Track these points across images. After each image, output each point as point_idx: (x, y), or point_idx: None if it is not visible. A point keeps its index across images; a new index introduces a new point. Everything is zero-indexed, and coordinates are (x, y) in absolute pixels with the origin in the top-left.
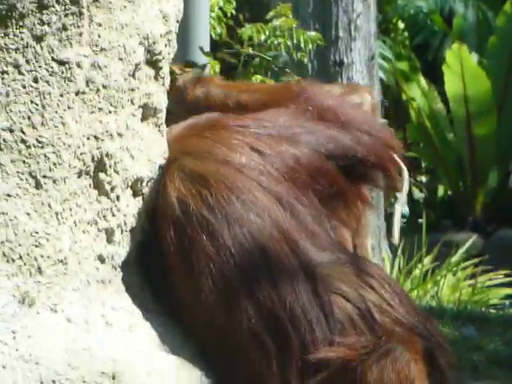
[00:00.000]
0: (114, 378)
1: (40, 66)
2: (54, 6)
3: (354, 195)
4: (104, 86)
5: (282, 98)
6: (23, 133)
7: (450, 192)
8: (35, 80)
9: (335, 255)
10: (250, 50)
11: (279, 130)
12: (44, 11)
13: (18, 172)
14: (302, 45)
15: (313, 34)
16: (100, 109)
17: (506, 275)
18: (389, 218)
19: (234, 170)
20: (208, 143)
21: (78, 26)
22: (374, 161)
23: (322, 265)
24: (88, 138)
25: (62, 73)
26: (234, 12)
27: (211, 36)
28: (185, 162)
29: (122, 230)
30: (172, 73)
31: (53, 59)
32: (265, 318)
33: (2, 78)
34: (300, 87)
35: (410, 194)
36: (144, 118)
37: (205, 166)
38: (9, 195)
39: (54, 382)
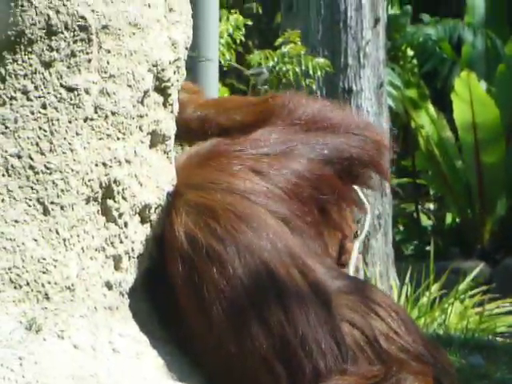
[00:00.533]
0: None
1: (49, 93)
2: (62, 33)
3: (350, 199)
4: (113, 113)
5: (263, 117)
6: (31, 159)
7: (458, 220)
8: (44, 106)
9: (343, 282)
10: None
11: (274, 148)
12: (53, 37)
13: (25, 198)
14: (311, 71)
15: (321, 60)
16: (108, 135)
17: None
18: (396, 244)
19: (240, 197)
20: (211, 172)
21: (87, 53)
22: (366, 160)
23: (331, 292)
24: (96, 165)
25: (71, 99)
26: (243, 39)
27: (220, 62)
28: (190, 195)
29: (129, 257)
30: None
31: (61, 85)
32: (276, 344)
33: (11, 104)
34: (279, 101)
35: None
36: (152, 145)
37: (210, 197)
38: (16, 221)
39: None
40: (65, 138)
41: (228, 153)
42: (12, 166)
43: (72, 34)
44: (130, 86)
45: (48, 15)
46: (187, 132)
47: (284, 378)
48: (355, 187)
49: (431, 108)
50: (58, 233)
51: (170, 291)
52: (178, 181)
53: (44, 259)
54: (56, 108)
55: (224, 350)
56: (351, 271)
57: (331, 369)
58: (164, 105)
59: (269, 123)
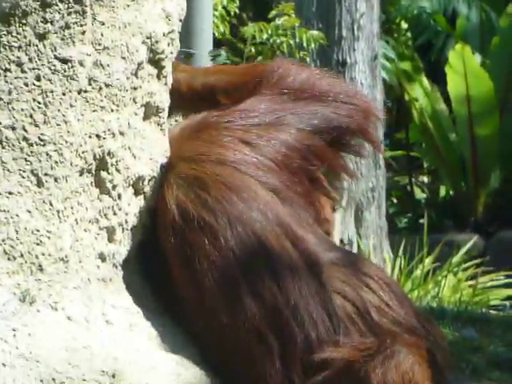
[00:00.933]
0: (113, 376)
1: (43, 65)
2: (57, 5)
3: (340, 167)
4: (106, 85)
5: (252, 78)
6: (25, 131)
7: (451, 192)
8: (38, 78)
9: (335, 253)
10: (253, 49)
11: (264, 118)
12: (47, 9)
13: (19, 170)
14: (305, 44)
15: (315, 33)
16: (102, 107)
17: (507, 276)
18: (390, 217)
19: (230, 168)
20: (201, 145)
21: (81, 25)
22: (355, 128)
23: (323, 263)
24: (90, 137)
25: (65, 71)
26: (237, 11)
27: (214, 34)
28: (181, 167)
29: (123, 229)
30: None
31: (55, 57)
32: (268, 315)
33: (5, 76)
34: (269, 67)
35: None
36: (146, 117)
37: (201, 169)
38: (10, 193)
39: (54, 380)
40: (59, 110)
41: (217, 124)
42: (6, 137)
43: (66, 5)
44: (123, 58)
45: None
46: (177, 97)
47: (276, 349)
48: (344, 155)
49: (425, 81)
50: (51, 204)
51: (163, 263)
52: (171, 153)
53: (38, 231)
54: (50, 80)
55: (216, 320)
56: (335, 240)
57: (323, 340)
58: (158, 77)
59: (258, 91)
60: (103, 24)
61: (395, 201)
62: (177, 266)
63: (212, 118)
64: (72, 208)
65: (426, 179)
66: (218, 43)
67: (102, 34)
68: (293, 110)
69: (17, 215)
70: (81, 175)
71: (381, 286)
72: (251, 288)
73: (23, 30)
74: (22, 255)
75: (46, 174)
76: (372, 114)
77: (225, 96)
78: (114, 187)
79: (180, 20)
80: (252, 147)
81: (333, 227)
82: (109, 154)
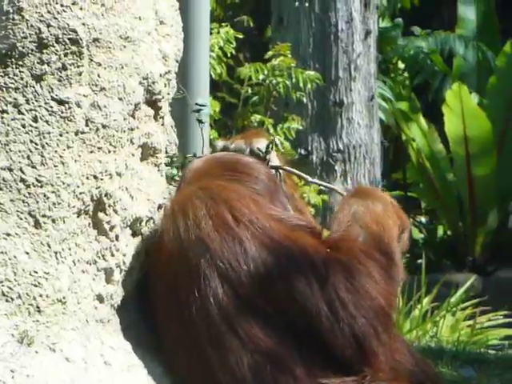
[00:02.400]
0: None
1: (40, 106)
2: (53, 46)
3: None
4: (103, 126)
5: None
6: (23, 172)
7: (449, 232)
8: (35, 119)
9: None
10: (249, 90)
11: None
12: (44, 51)
13: (17, 211)
14: (301, 84)
15: (312, 73)
16: (99, 148)
17: (506, 316)
18: None
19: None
20: (212, 191)
21: (78, 66)
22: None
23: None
24: (87, 178)
25: (62, 112)
26: (234, 52)
27: (211, 76)
28: (185, 210)
29: (120, 270)
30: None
31: (52, 99)
32: (259, 362)
33: (2, 118)
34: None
35: None
36: (143, 158)
37: (205, 220)
38: (8, 234)
39: None
40: (56, 151)
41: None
42: (3, 179)
43: (63, 47)
44: (120, 99)
45: (39, 28)
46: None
47: None
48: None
49: (422, 121)
50: (49, 246)
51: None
52: (176, 195)
53: (36, 272)
54: (47, 121)
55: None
56: None
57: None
58: (155, 118)
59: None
60: (100, 65)
61: None
62: (164, 308)
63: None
64: (70, 249)
65: (423, 219)
66: (214, 84)
67: (98, 75)
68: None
69: (15, 256)
70: (78, 216)
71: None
72: (235, 331)
73: (20, 72)
74: (20, 296)
75: (43, 216)
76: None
77: None
78: (111, 228)
79: (177, 61)
80: (257, 205)
81: None
82: (106, 195)
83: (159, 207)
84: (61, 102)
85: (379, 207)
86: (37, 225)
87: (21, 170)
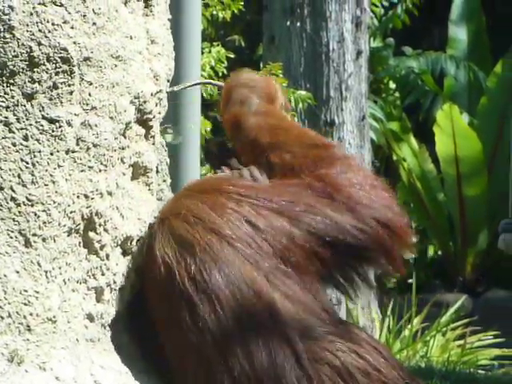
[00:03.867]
0: None
1: (30, 124)
2: (44, 64)
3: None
4: (94, 145)
5: (313, 156)
6: (13, 191)
7: (440, 252)
8: (25, 138)
9: (321, 323)
10: None
11: (281, 206)
12: (35, 69)
13: (7, 230)
14: (293, 104)
15: (303, 93)
16: (90, 167)
17: (495, 336)
18: (378, 277)
19: (220, 240)
20: (201, 208)
21: (69, 85)
22: (375, 248)
23: (306, 334)
24: (78, 197)
25: (53, 131)
26: (225, 71)
27: (202, 95)
28: (174, 223)
29: (111, 289)
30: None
31: (43, 117)
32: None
33: None
34: (341, 154)
35: None
36: (134, 177)
37: (193, 232)
38: None
39: None
40: (46, 170)
41: (228, 194)
42: None
43: (54, 65)
44: (111, 118)
45: (30, 47)
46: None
47: None
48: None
49: (413, 141)
50: (39, 265)
51: (151, 321)
52: (167, 207)
53: (26, 291)
54: (38, 140)
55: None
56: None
57: None
58: (146, 137)
59: (299, 175)
60: (91, 84)
61: None
62: (159, 321)
63: (226, 187)
64: (60, 268)
65: (414, 239)
66: (206, 103)
67: (89, 94)
68: (314, 210)
69: (5, 275)
70: (69, 235)
71: (368, 351)
72: (225, 362)
73: (11, 90)
74: (9, 315)
75: (34, 235)
76: (405, 238)
77: (278, 158)
78: (102, 247)
79: (168, 80)
80: (252, 227)
81: None
82: (97, 214)
83: (149, 226)
84: (51, 121)
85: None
86: (27, 243)
87: (11, 188)
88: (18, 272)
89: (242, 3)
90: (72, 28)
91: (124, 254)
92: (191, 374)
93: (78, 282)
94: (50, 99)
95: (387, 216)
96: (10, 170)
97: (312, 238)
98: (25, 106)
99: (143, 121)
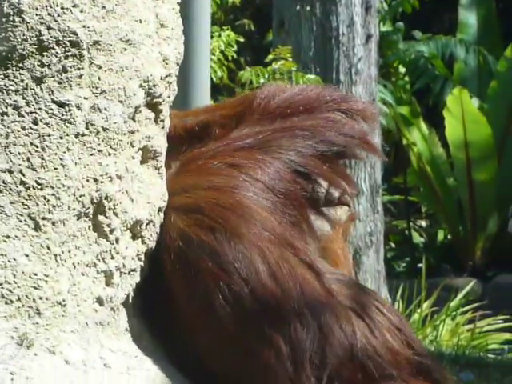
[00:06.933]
0: None
1: (40, 108)
2: (54, 48)
3: (340, 179)
4: (104, 129)
5: (244, 108)
6: (23, 174)
7: (449, 237)
8: (35, 122)
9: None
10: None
11: (247, 141)
12: (44, 53)
13: (17, 214)
14: None
15: (312, 76)
16: (100, 151)
17: (505, 320)
18: (388, 261)
19: (222, 191)
20: (190, 176)
21: (78, 68)
22: (352, 142)
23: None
24: (87, 180)
25: (62, 115)
26: (235, 55)
27: (212, 79)
28: (174, 200)
29: (120, 273)
30: None
31: (53, 101)
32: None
33: (2, 120)
34: (257, 93)
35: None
36: (143, 161)
37: (194, 196)
38: (8, 237)
39: None
40: (56, 154)
41: (202, 154)
42: (3, 181)
43: (63, 49)
44: (121, 102)
45: (39, 31)
46: (175, 141)
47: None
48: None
49: (423, 125)
50: (49, 248)
51: (162, 306)
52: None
53: (35, 274)
54: (47, 124)
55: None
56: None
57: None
58: (155, 121)
59: (245, 119)
60: (100, 67)
61: (393, 245)
62: (183, 291)
63: (196, 151)
64: (69, 252)
65: (424, 223)
66: (215, 87)
67: (99, 78)
68: (277, 131)
69: (14, 259)
70: (78, 219)
71: (391, 315)
72: (260, 306)
73: (20, 74)
74: (19, 299)
75: (43, 218)
76: (369, 116)
77: (221, 129)
78: (111, 231)
79: (177, 64)
80: (239, 169)
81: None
82: (106, 197)
83: (159, 210)
84: (61, 105)
85: None
86: (37, 227)
87: (21, 172)
88: (27, 256)
89: None
90: (81, 12)
91: (133, 237)
92: (224, 318)
93: (87, 265)
94: (60, 83)
95: (344, 105)
96: (19, 153)
97: (290, 155)
98: (34, 89)
99: (153, 104)
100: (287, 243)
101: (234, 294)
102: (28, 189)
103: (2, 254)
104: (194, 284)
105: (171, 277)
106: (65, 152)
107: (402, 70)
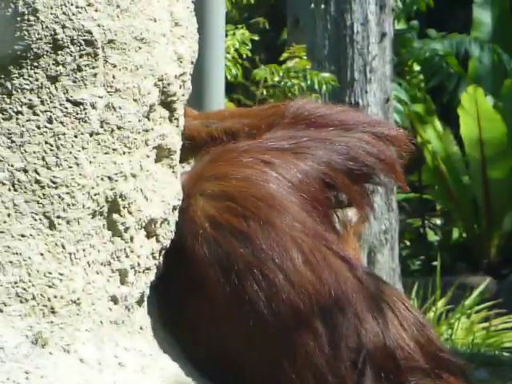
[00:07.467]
0: None
1: (55, 107)
2: (68, 47)
3: (360, 201)
4: (118, 127)
5: (272, 120)
6: (37, 173)
7: (464, 235)
8: (50, 121)
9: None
10: (265, 92)
11: (280, 143)
12: (59, 52)
13: (31, 212)
14: (316, 86)
15: (326, 75)
16: (114, 150)
17: None
18: (402, 259)
19: (254, 182)
20: (223, 166)
21: (93, 67)
22: (381, 165)
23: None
24: (102, 179)
25: (77, 114)
26: (249, 54)
27: (226, 77)
28: (204, 185)
29: (135, 271)
30: None
31: (67, 100)
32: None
33: (17, 119)
34: (289, 105)
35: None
36: (158, 160)
37: (226, 184)
38: (23, 235)
39: None
40: (70, 153)
41: (236, 148)
42: (18, 180)
43: (78, 48)
44: (135, 101)
45: (54, 30)
46: (192, 144)
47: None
48: (365, 187)
49: (438, 123)
50: (64, 247)
51: (177, 305)
52: (190, 184)
53: (50, 273)
54: (62, 122)
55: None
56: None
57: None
58: (170, 119)
59: (277, 123)
60: (115, 66)
61: (408, 243)
62: (214, 278)
63: (230, 145)
64: (84, 250)
65: (438, 221)
66: (230, 86)
67: (113, 77)
68: (312, 139)
69: (29, 258)
70: (93, 218)
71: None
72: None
73: (35, 73)
74: (34, 298)
75: (58, 217)
76: (401, 144)
77: (247, 139)
78: (126, 229)
79: (192, 62)
80: (271, 166)
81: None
82: (121, 196)
83: (174, 208)
84: (76, 104)
85: None
86: (51, 226)
87: (35, 171)
88: (42, 254)
89: None
90: (96, 11)
91: (148, 236)
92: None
93: (102, 264)
94: (74, 82)
95: (378, 129)
96: (34, 152)
97: (319, 164)
98: (49, 88)
99: (167, 103)
100: (319, 235)
101: (268, 281)
102: (43, 187)
103: (16, 253)
104: (226, 271)
105: (200, 263)
106: (79, 151)
107: (417, 68)
